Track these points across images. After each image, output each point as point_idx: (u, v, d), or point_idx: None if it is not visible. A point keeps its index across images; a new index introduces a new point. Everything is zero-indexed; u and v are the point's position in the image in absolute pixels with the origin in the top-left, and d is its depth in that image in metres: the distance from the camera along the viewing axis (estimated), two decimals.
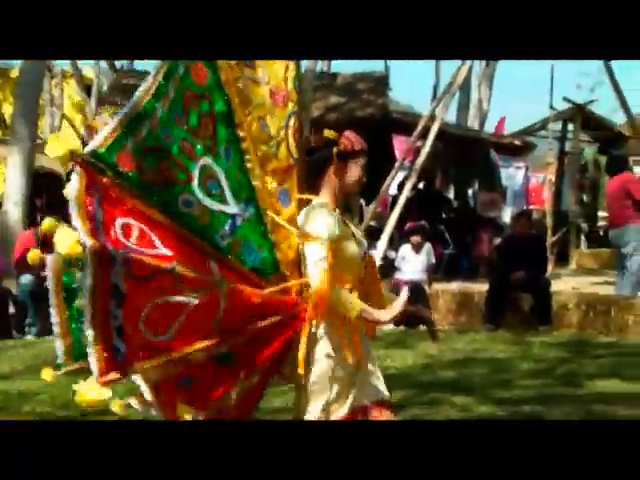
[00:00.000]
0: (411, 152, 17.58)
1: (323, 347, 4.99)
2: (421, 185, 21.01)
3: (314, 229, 5.04)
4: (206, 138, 4.75)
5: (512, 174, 28.29)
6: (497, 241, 20.49)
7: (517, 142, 26.94)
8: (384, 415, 5.20)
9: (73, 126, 26.61)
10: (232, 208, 4.85)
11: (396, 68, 35.74)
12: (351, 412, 5.07)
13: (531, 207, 28.65)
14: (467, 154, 24.61)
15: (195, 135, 4.69)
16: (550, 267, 18.73)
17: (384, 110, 23.36)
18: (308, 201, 5.35)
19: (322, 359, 4.98)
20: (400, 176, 18.34)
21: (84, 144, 14.45)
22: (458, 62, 19.81)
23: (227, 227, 4.85)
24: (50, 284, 4.66)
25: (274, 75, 5.28)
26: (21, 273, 12.91)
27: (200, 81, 4.68)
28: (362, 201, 21.70)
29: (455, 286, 17.38)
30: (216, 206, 4.80)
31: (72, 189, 4.23)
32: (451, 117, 27.65)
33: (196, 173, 4.69)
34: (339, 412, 5.06)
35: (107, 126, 4.40)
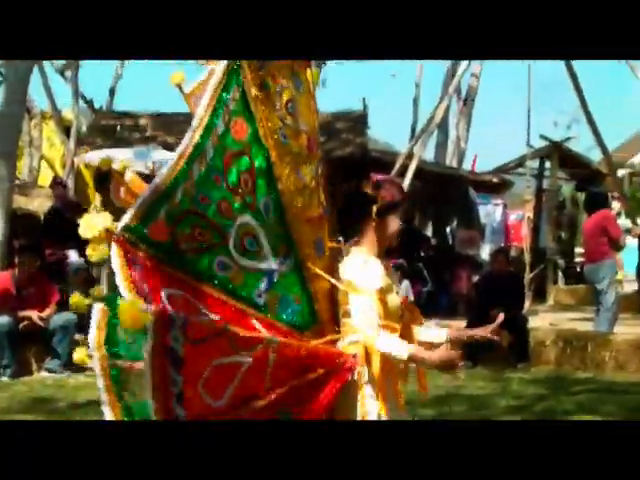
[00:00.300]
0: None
1: (371, 396, 4.98)
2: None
3: (361, 280, 5.04)
4: (245, 194, 4.66)
5: (490, 211, 28.37)
6: (475, 278, 20.52)
7: (495, 179, 27.11)
8: None
9: (52, 167, 26.52)
10: (270, 264, 4.80)
11: (374, 107, 35.98)
12: None
13: (509, 244, 28.75)
14: (445, 192, 24.76)
15: (234, 193, 4.60)
16: (528, 303, 18.83)
17: (363, 149, 23.48)
18: (339, 250, 5.38)
19: (373, 410, 4.97)
20: None
21: (57, 194, 14.31)
22: (436, 101, 19.88)
23: (263, 285, 4.80)
24: (100, 382, 4.52)
25: (309, 121, 5.24)
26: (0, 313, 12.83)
27: (239, 136, 4.59)
28: (341, 238, 21.67)
29: (434, 324, 17.39)
30: (252, 265, 4.75)
31: (115, 267, 4.24)
32: (429, 155, 27.79)
33: (232, 233, 4.63)
34: None
35: (139, 198, 4.32)
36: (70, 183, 22.97)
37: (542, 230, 25.32)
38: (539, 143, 24.70)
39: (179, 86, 5.08)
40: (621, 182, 28.42)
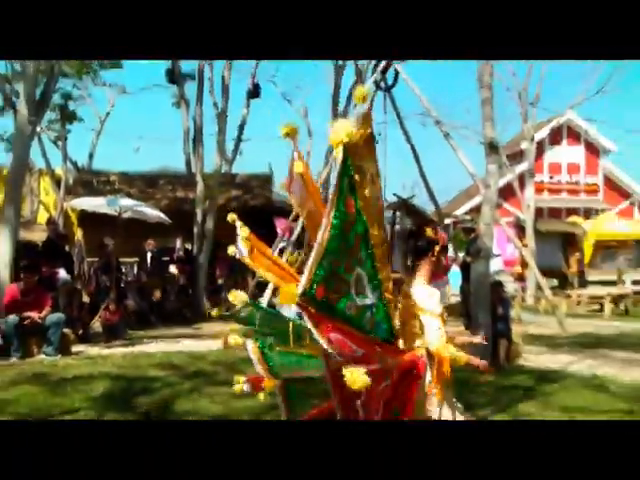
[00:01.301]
0: (288, 230, 17.63)
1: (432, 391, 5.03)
2: (296, 253, 21.02)
3: (430, 305, 5.06)
4: (357, 253, 4.59)
5: None
6: None
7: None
8: None
9: (47, 210, 26.40)
10: (370, 299, 4.73)
11: (278, 170, 35.89)
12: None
13: None
14: None
15: (351, 254, 4.53)
16: None
17: (269, 200, 23.59)
18: (400, 279, 5.41)
19: (434, 400, 5.03)
20: (280, 245, 18.35)
21: (50, 229, 14.11)
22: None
23: (369, 314, 4.76)
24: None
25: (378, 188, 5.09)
26: (8, 314, 13.06)
27: (350, 210, 4.42)
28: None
29: None
30: (362, 302, 4.67)
31: (310, 328, 4.23)
32: None
33: (353, 282, 4.57)
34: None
35: (308, 266, 4.22)
36: (60, 221, 22.85)
37: (395, 258, 25.53)
38: (392, 199, 24.97)
39: (289, 136, 5.04)
40: (448, 227, 28.82)
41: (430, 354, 4.97)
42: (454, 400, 5.24)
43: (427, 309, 5.05)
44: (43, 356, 12.98)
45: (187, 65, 25.69)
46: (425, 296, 5.11)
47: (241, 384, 5.70)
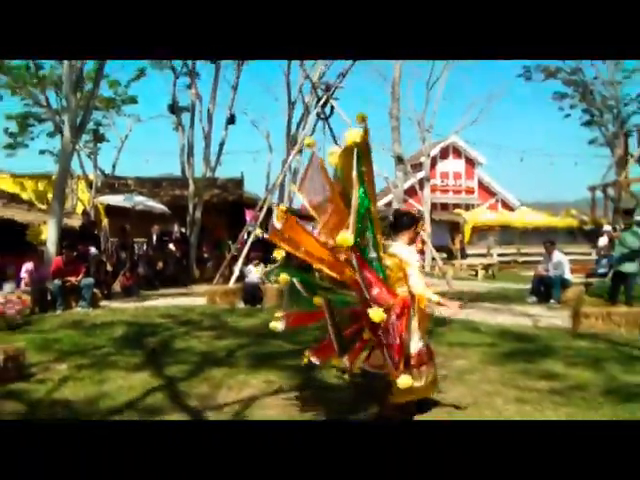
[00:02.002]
0: (254, 218, 17.70)
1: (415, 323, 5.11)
2: (260, 235, 21.00)
3: (412, 260, 5.14)
4: (366, 221, 4.64)
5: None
6: None
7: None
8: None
9: (82, 204, 26.11)
10: (374, 254, 4.79)
11: (247, 175, 35.67)
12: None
13: None
14: None
15: (364, 220, 4.59)
16: None
17: (241, 197, 23.53)
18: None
19: (415, 328, 5.10)
20: (250, 229, 18.40)
21: (86, 220, 14.04)
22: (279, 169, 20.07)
23: (374, 264, 4.81)
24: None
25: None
26: (55, 278, 13.04)
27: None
28: (230, 242, 21.78)
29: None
30: (370, 255, 4.77)
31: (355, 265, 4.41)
32: (274, 199, 27.73)
33: (368, 239, 4.71)
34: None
35: (351, 222, 4.37)
36: (92, 212, 22.65)
37: None
38: None
39: (309, 147, 5.08)
40: None
41: (413, 296, 5.05)
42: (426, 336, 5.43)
43: (411, 263, 5.13)
44: (79, 309, 12.99)
45: (184, 99, 25.84)
46: (409, 253, 5.21)
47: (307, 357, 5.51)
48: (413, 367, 5.12)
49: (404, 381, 4.56)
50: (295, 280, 5.38)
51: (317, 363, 5.48)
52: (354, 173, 4.39)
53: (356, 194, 4.37)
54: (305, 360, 5.47)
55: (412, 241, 5.46)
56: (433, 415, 5.51)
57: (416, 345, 5.19)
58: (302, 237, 4.82)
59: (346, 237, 4.28)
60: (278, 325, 5.51)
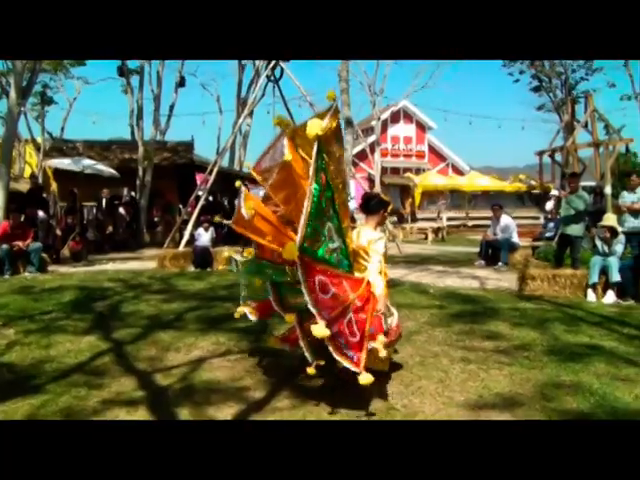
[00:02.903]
0: (205, 181, 17.60)
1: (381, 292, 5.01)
2: (210, 198, 21.03)
3: (379, 246, 5.17)
4: (328, 212, 4.52)
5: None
6: None
7: (255, 177, 27.03)
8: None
9: (31, 167, 25.73)
10: (337, 243, 4.66)
11: (197, 138, 35.28)
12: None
13: None
14: (231, 183, 24.65)
15: (324, 212, 4.45)
16: None
17: (191, 160, 23.33)
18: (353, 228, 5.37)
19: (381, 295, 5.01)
20: (199, 193, 18.33)
21: (32, 182, 13.97)
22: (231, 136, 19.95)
23: (335, 255, 4.69)
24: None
25: (342, 165, 4.98)
26: (2, 243, 12.94)
27: (322, 182, 4.42)
28: (180, 205, 21.67)
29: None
30: (333, 246, 4.63)
31: (301, 278, 4.20)
32: (225, 163, 27.64)
33: (326, 233, 4.53)
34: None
35: (300, 227, 4.22)
36: (40, 176, 22.28)
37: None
38: None
39: (280, 125, 4.97)
40: None
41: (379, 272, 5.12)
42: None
43: (376, 249, 5.18)
44: (27, 274, 12.89)
45: (133, 63, 25.33)
46: (375, 239, 5.24)
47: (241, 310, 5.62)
48: (391, 341, 5.26)
49: (365, 379, 4.42)
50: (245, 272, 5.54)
51: (253, 319, 5.64)
52: (311, 169, 4.31)
53: (311, 191, 4.28)
54: (237, 315, 5.64)
55: (380, 224, 5.55)
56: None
57: (393, 320, 5.33)
58: (267, 227, 4.85)
59: (291, 251, 4.19)
60: (252, 317, 5.62)
